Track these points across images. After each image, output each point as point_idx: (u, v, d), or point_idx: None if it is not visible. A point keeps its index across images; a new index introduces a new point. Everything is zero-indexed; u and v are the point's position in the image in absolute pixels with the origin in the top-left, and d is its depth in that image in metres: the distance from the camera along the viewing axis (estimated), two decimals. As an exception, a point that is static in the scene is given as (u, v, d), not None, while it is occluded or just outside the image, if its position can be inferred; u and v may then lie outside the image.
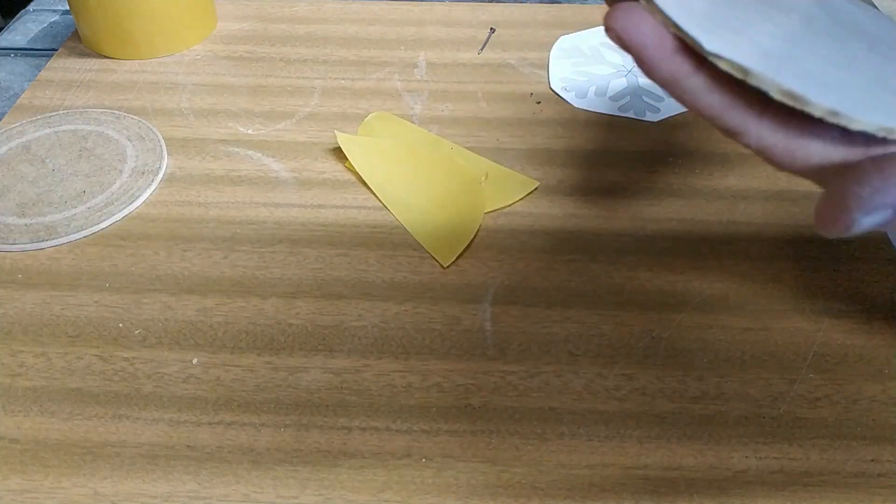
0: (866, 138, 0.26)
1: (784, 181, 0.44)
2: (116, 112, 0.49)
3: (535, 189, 0.44)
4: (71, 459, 0.31)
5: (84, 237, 0.41)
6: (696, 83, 0.26)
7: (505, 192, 0.43)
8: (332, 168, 0.45)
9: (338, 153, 0.46)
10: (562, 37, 0.56)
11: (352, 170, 0.45)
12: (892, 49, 0.29)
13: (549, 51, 0.55)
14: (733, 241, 0.41)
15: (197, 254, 0.40)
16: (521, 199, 0.43)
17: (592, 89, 0.51)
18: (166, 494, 0.30)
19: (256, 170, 0.45)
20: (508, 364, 0.35)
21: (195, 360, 0.35)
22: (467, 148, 0.46)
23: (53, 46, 0.57)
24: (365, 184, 0.44)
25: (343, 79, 0.52)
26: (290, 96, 0.50)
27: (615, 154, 0.46)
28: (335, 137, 0.46)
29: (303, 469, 0.31)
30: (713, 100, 0.26)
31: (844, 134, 0.25)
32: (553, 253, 0.40)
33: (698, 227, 0.41)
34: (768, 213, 0.42)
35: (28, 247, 0.40)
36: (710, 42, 0.25)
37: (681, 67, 0.25)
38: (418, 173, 0.44)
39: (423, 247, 0.40)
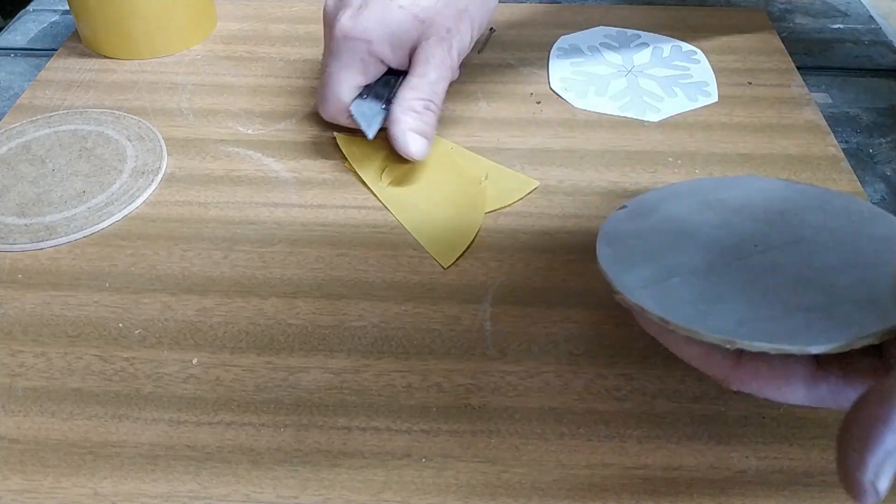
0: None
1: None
2: (116, 112, 0.49)
3: (535, 189, 0.44)
4: (71, 459, 0.31)
5: (84, 237, 0.41)
6: (673, 339, 0.30)
7: (504, 192, 0.43)
8: (332, 168, 0.45)
9: (338, 153, 0.46)
10: (562, 37, 0.56)
11: (352, 170, 0.45)
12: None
13: (549, 50, 0.55)
14: (733, 241, 0.41)
15: (197, 254, 0.40)
16: (520, 199, 0.43)
17: (592, 89, 0.51)
18: (166, 494, 0.30)
19: (256, 170, 0.45)
20: (508, 364, 0.35)
21: (195, 360, 0.35)
22: (467, 148, 0.46)
23: (53, 46, 0.57)
24: (365, 184, 0.44)
25: (343, 79, 0.52)
26: (290, 96, 0.50)
27: (615, 154, 0.46)
28: (335, 137, 0.46)
29: (303, 469, 0.31)
30: (693, 351, 0.30)
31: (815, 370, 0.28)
32: (553, 253, 0.40)
33: (698, 227, 0.41)
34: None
35: (28, 247, 0.40)
36: (639, 296, 0.30)
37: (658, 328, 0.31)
38: (418, 174, 0.44)
39: (423, 247, 0.40)
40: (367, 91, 0.44)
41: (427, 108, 0.43)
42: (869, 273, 0.31)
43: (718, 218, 0.35)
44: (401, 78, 0.44)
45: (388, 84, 0.45)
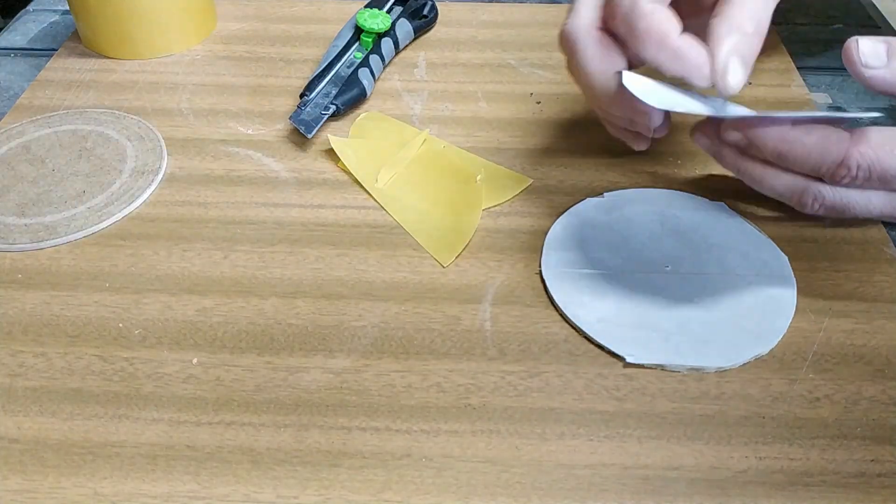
0: None
1: (784, 181, 0.44)
2: (116, 112, 0.49)
3: (535, 189, 0.44)
4: (71, 459, 0.31)
5: (84, 237, 0.41)
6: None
7: (499, 190, 0.43)
8: (332, 168, 0.45)
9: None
10: None
11: (346, 171, 0.45)
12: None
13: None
14: (733, 241, 0.41)
15: (197, 254, 0.40)
16: (515, 196, 0.43)
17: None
18: (166, 494, 0.30)
19: (256, 170, 0.45)
20: (508, 364, 0.35)
21: (195, 360, 0.35)
22: (467, 148, 0.46)
23: (53, 46, 0.57)
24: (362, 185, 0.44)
25: (343, 79, 0.52)
26: (290, 96, 0.50)
27: (615, 154, 0.46)
28: (329, 139, 0.46)
29: (303, 469, 0.31)
30: None
31: None
32: (553, 253, 0.40)
33: (698, 227, 0.41)
34: (768, 212, 0.42)
35: (28, 247, 0.40)
36: None
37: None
38: (413, 173, 0.44)
39: (422, 247, 0.40)
40: (305, 102, 0.47)
41: (757, 31, 0.35)
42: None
43: (660, 231, 0.40)
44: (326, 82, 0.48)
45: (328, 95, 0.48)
